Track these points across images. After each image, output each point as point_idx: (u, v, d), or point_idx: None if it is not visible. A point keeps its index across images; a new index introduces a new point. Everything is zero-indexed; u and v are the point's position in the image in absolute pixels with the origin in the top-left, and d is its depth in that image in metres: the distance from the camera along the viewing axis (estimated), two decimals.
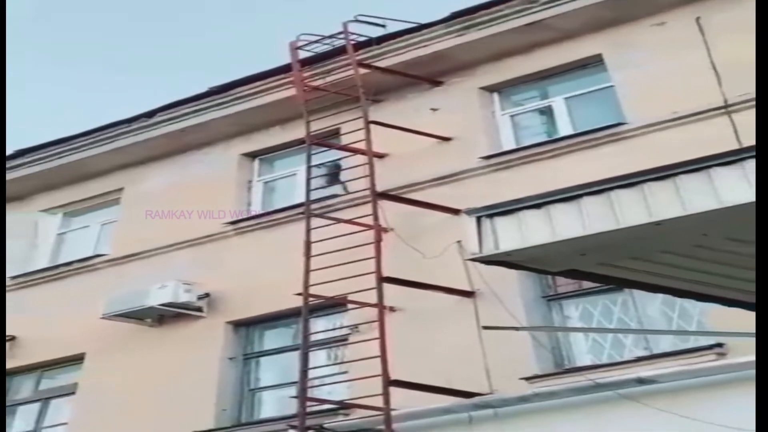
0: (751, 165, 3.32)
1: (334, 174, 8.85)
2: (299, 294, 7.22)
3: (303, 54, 9.30)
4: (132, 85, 30.64)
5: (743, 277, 3.86)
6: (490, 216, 3.99)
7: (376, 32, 9.05)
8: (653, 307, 6.61)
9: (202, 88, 9.90)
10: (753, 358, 5.42)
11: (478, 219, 4.02)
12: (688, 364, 5.94)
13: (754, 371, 5.49)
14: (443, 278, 7.02)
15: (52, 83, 30.12)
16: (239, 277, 8.29)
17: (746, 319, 4.20)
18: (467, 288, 7.03)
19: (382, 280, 6.98)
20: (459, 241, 7.05)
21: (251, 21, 31.40)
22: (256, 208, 9.27)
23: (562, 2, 8.05)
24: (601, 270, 4.05)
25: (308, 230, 7.61)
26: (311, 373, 7.10)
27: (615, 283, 4.47)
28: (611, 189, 3.69)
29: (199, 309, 8.27)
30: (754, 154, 3.32)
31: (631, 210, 3.56)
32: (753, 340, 4.77)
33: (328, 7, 26.05)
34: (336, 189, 8.38)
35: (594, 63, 8.16)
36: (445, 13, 8.66)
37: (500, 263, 4.11)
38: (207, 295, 8.34)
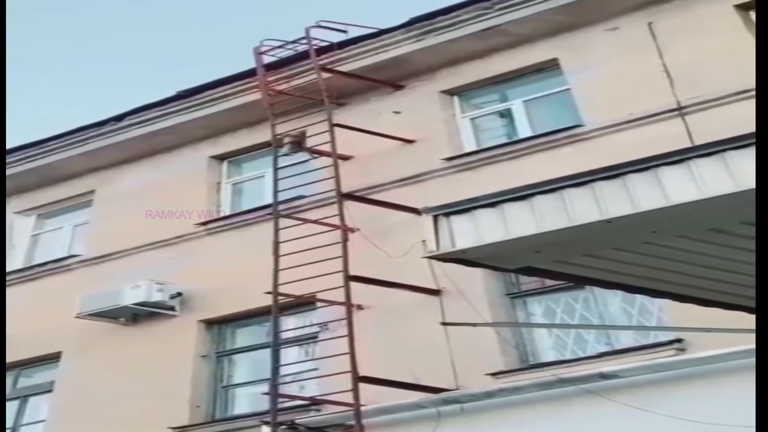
0: (696, 164, 3.30)
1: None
2: (269, 293, 7.16)
3: (267, 59, 9.21)
4: (100, 88, 30.17)
5: (694, 274, 3.85)
6: (447, 215, 3.94)
7: (338, 38, 8.99)
8: (614, 304, 6.62)
9: (170, 92, 9.83)
10: (711, 353, 5.48)
11: (435, 218, 3.99)
12: (648, 359, 5.94)
13: (712, 366, 5.55)
14: (409, 276, 6.98)
15: (20, 87, 29.47)
16: (211, 277, 8.21)
17: (703, 315, 4.21)
18: (433, 286, 6.99)
19: (350, 278, 6.93)
20: (423, 241, 6.86)
21: (217, 24, 31.13)
22: (226, 209, 9.17)
23: (517, 8, 8.04)
24: (556, 267, 4.01)
25: (276, 230, 7.55)
26: (282, 370, 7.05)
27: (571, 280, 4.46)
28: (563, 188, 3.67)
29: (172, 308, 8.18)
30: (700, 153, 3.30)
31: (582, 208, 3.53)
32: (709, 335, 4.79)
33: (290, 13, 25.92)
34: (302, 190, 8.28)
35: (550, 67, 8.16)
36: (405, 19, 8.62)
37: (457, 261, 4.06)
38: (179, 294, 8.25)
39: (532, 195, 3.74)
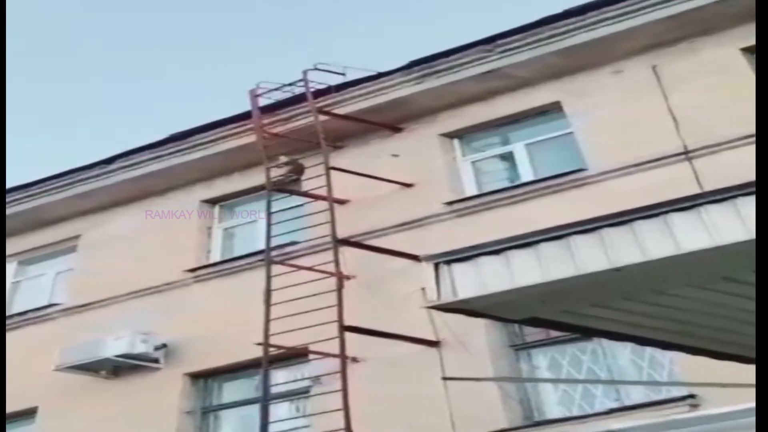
0: (707, 210, 3.29)
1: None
2: (259, 344, 7.07)
3: (263, 101, 9.30)
4: (91, 131, 30.46)
5: (707, 325, 3.79)
6: (448, 262, 3.92)
7: (336, 80, 9.12)
8: (623, 356, 6.52)
9: (161, 135, 9.98)
10: (726, 409, 5.35)
11: (436, 265, 3.96)
12: (660, 416, 5.77)
13: (728, 423, 5.42)
14: (407, 326, 6.90)
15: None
16: (198, 327, 8.12)
17: (718, 369, 4.13)
18: (432, 337, 6.91)
19: (345, 329, 6.85)
20: (423, 289, 6.86)
21: (212, 68, 31.59)
22: (216, 255, 9.16)
23: (518, 51, 8.14)
24: (563, 318, 3.97)
25: (268, 278, 7.49)
26: (272, 427, 6.85)
27: (578, 332, 4.38)
28: (569, 235, 3.64)
29: (156, 360, 8.06)
30: (710, 199, 3.29)
31: (589, 256, 3.50)
32: (725, 390, 4.70)
33: (288, 58, 26.34)
34: (296, 235, 8.27)
35: (553, 110, 8.23)
36: (404, 61, 8.74)
37: (459, 311, 4.02)
38: (164, 345, 8.14)
39: (538, 242, 3.72)
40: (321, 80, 9.15)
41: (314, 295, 7.03)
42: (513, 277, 3.77)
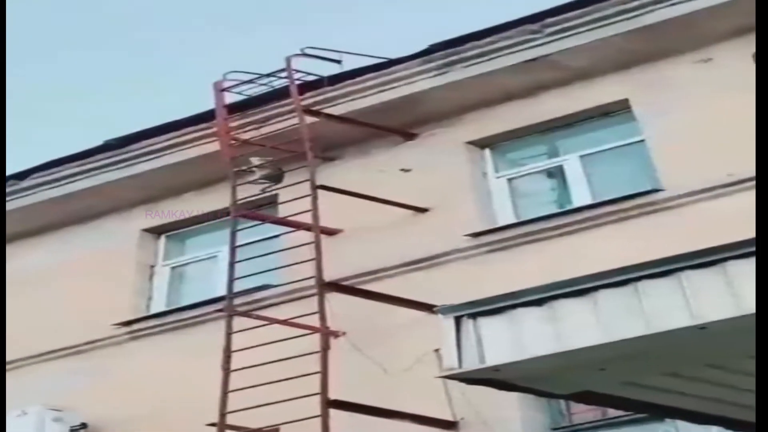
0: None
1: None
2: (213, 424, 7.08)
3: (232, 98, 9.45)
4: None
5: None
6: (473, 315, 4.10)
7: (329, 70, 9.22)
8: None
9: (96, 142, 10.00)
10: None
11: (457, 319, 4.14)
12: None
13: None
14: (414, 401, 6.89)
15: None
16: (132, 400, 8.12)
17: None
18: (448, 417, 6.92)
19: (329, 404, 6.80)
20: (437, 350, 6.85)
21: (163, 61, 32.02)
22: (160, 304, 9.25)
23: (573, 33, 8.22)
24: (626, 392, 4.04)
25: (229, 334, 7.56)
26: None
27: (646, 411, 4.49)
28: (639, 279, 3.77)
29: None
30: None
31: (665, 308, 3.59)
32: None
33: (270, 42, 26.62)
34: (270, 277, 8.35)
35: (618, 111, 8.29)
36: (422, 46, 8.81)
37: (487, 382, 4.14)
38: (84, 425, 8.17)
39: (596, 289, 3.88)
40: (310, 70, 9.27)
41: (290, 358, 6.98)
42: (561, 336, 3.90)
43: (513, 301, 4.05)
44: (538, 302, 3.98)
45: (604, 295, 3.80)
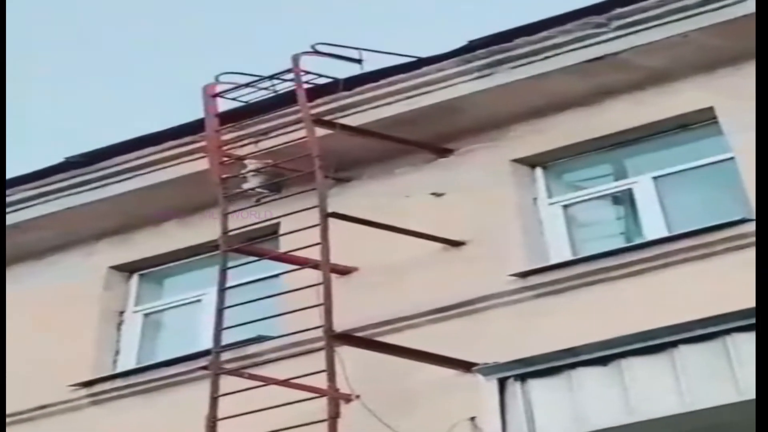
0: None
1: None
2: None
3: (225, 105, 9.72)
4: None
5: None
6: (522, 377, 4.19)
7: (347, 71, 9.47)
8: None
9: (55, 159, 10.30)
10: None
11: (502, 382, 4.55)
12: None
13: None
14: None
15: None
16: None
17: None
18: None
19: None
20: (473, 418, 7.03)
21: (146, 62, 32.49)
22: (130, 359, 9.42)
23: (647, 26, 8.41)
24: None
25: (215, 397, 7.70)
26: None
27: None
28: (727, 332, 4.10)
29: None
30: None
31: None
32: None
33: (273, 39, 26.89)
34: (267, 326, 8.49)
35: (701, 122, 8.43)
36: (459, 43, 9.06)
37: None
38: None
39: (674, 344, 4.14)
40: (322, 71, 9.50)
41: (292, 428, 7.18)
42: (632, 403, 4.00)
43: (571, 360, 4.18)
44: (603, 361, 4.16)
45: (685, 352, 4.02)
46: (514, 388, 5.08)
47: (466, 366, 7.49)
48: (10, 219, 10.15)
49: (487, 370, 6.83)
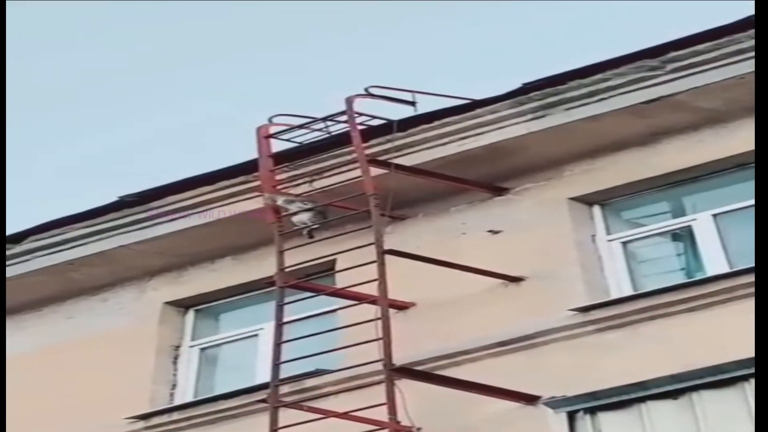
0: None
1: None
2: None
3: (279, 145, 9.95)
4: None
5: None
6: (592, 410, 4.05)
7: (401, 113, 9.66)
8: None
9: (109, 198, 10.47)
10: None
11: (571, 415, 4.07)
12: None
13: None
14: None
15: None
16: None
17: None
18: None
19: None
20: None
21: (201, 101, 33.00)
22: (187, 393, 9.60)
23: (704, 68, 8.56)
24: None
25: (274, 430, 7.85)
26: None
27: None
28: None
29: None
30: None
31: None
32: None
33: (326, 83, 27.25)
34: (324, 361, 8.64)
35: None
36: (513, 85, 9.21)
37: None
38: None
39: (745, 378, 4.13)
40: (375, 113, 9.74)
41: None
42: None
43: (641, 393, 3.99)
44: (673, 394, 4.14)
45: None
46: (584, 421, 5.11)
47: (529, 399, 7.63)
48: (64, 257, 10.34)
49: (556, 403, 6.82)
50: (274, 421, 7.90)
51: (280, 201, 9.23)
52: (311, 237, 9.15)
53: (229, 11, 32.08)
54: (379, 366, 7.86)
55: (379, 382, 7.81)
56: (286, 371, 8.37)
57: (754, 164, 8.49)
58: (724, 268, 8.24)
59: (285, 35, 33.19)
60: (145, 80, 33.88)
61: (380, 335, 7.95)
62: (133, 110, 33.77)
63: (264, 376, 8.61)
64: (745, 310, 7.42)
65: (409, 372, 7.97)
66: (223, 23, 33.11)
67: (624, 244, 8.90)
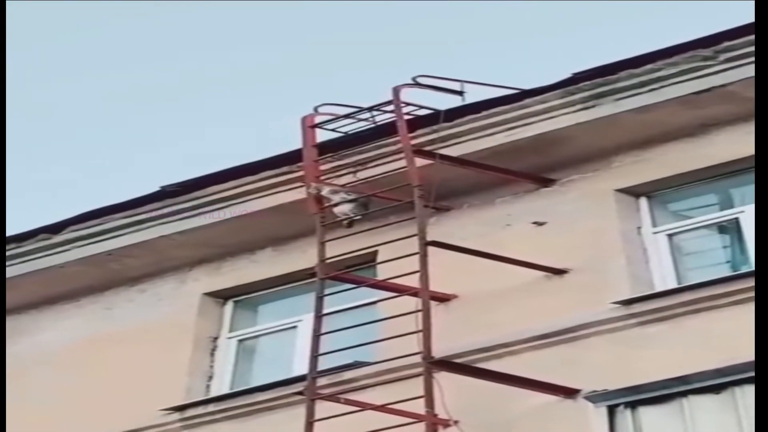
0: None
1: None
2: None
3: (323, 135, 10.07)
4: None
5: None
6: (632, 404, 4.19)
7: (447, 103, 9.76)
8: None
9: (150, 188, 10.67)
10: None
11: (611, 409, 4.52)
12: None
13: None
14: None
15: None
16: None
17: None
18: None
19: None
20: None
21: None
22: (224, 385, 9.74)
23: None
24: None
25: (311, 422, 7.96)
26: None
27: None
28: None
29: None
30: None
31: None
32: None
33: (374, 75, 27.50)
34: (363, 352, 8.77)
35: None
36: (563, 75, 9.31)
37: None
38: None
39: None
40: (423, 103, 9.84)
41: None
42: (746, 429, 4.22)
43: (683, 387, 4.20)
44: (715, 389, 4.24)
45: None
46: (625, 415, 5.11)
47: (568, 392, 7.75)
48: (103, 247, 10.54)
49: (596, 397, 6.84)
50: (310, 413, 8.01)
51: (323, 191, 9.35)
52: (350, 227, 9.27)
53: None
54: (418, 359, 7.93)
55: (417, 375, 7.89)
56: (324, 363, 8.48)
57: None
58: None
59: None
60: (191, 66, 34.47)
61: (420, 327, 8.03)
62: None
63: (302, 368, 8.76)
64: None
65: (447, 365, 8.08)
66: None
67: (670, 236, 8.96)
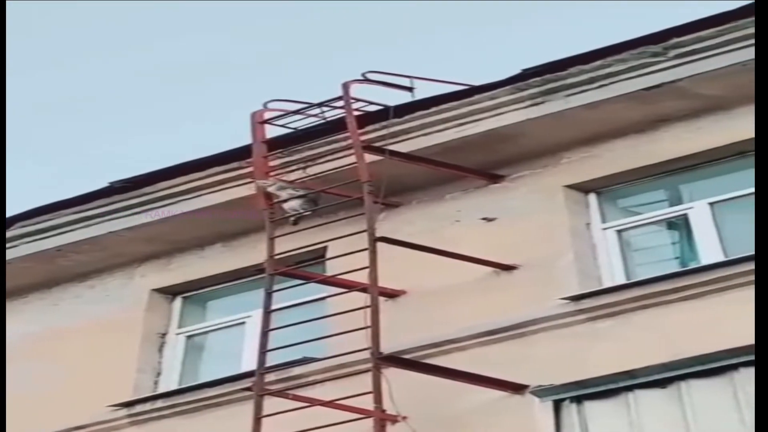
0: None
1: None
2: None
3: (273, 131, 10.08)
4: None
5: None
6: (578, 399, 4.52)
7: (397, 99, 9.81)
8: None
9: (99, 185, 10.62)
10: None
11: (557, 404, 4.69)
12: None
13: None
14: None
15: None
16: None
17: None
18: None
19: None
20: None
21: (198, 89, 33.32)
22: (172, 380, 9.71)
23: (706, 54, 8.66)
24: None
25: (258, 418, 7.94)
26: None
27: None
28: None
29: None
30: None
31: None
32: None
33: (324, 69, 27.39)
34: (312, 348, 8.74)
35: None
36: (512, 72, 9.33)
37: None
38: None
39: (734, 367, 4.26)
40: (373, 99, 9.89)
41: None
42: (693, 426, 4.22)
43: (629, 382, 4.28)
44: (661, 383, 4.31)
45: (743, 375, 4.11)
46: (570, 410, 5.13)
47: (516, 388, 7.73)
48: (51, 243, 10.50)
49: (542, 392, 6.84)
50: (258, 409, 7.98)
51: (271, 187, 9.33)
52: (296, 224, 9.24)
53: None
54: (367, 354, 7.93)
55: (366, 371, 7.88)
56: (272, 359, 8.47)
57: (753, 152, 8.62)
58: (720, 257, 8.33)
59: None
60: (139, 60, 34.46)
61: (368, 323, 8.00)
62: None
63: (250, 364, 8.72)
64: (740, 300, 7.57)
65: (395, 360, 8.07)
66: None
67: (619, 232, 9.02)
